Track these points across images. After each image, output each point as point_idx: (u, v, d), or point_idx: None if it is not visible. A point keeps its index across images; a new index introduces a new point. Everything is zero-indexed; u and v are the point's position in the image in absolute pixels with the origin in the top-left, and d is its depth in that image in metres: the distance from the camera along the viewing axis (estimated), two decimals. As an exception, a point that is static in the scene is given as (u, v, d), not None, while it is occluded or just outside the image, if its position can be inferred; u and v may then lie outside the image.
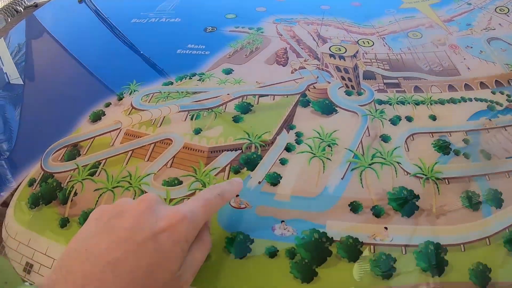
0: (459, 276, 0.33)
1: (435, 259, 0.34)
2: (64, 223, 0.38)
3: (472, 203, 0.38)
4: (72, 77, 0.55)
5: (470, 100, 0.51)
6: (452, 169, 0.42)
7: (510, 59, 0.58)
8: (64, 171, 0.42)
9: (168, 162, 0.41)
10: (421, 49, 0.59)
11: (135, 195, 0.39)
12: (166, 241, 0.27)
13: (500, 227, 0.37)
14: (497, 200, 0.39)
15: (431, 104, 0.49)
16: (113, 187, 0.40)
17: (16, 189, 0.41)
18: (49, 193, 0.40)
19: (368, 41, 0.60)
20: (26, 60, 0.61)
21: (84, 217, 0.38)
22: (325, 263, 0.34)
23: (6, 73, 0.58)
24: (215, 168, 0.40)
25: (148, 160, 0.41)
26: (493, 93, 0.52)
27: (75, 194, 0.40)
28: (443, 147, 0.44)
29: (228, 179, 0.39)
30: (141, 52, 0.57)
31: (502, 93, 0.52)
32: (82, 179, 0.41)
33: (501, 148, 0.45)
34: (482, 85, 0.54)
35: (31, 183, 0.41)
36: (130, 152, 0.42)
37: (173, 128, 0.44)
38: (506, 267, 0.34)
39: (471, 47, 0.60)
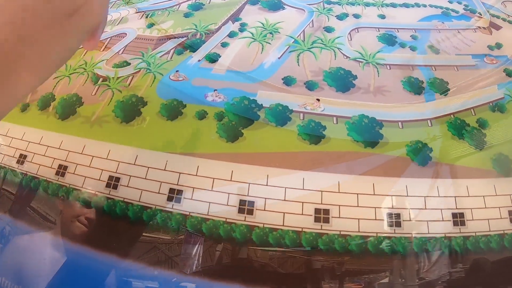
0: (395, 150, 0.34)
1: (368, 131, 0.35)
2: (24, 107, 0.41)
3: (414, 87, 0.39)
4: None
5: (425, 6, 0.52)
6: (395, 57, 0.43)
7: None
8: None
9: (120, 50, 0.44)
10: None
11: (87, 78, 0.42)
12: None
13: (444, 111, 0.38)
14: (442, 88, 0.40)
15: (382, 6, 0.50)
16: (70, 74, 0.43)
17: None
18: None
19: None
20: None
21: (43, 100, 0.41)
22: (252, 125, 0.36)
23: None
24: (160, 52, 0.42)
25: (103, 51, 0.44)
26: (450, 2, 0.53)
27: (37, 84, 0.43)
28: (388, 39, 0.45)
29: (171, 59, 0.41)
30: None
31: (460, 3, 0.53)
32: (46, 72, 0.44)
33: (452, 46, 0.46)
34: None
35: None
36: (88, 45, 0.45)
37: (128, 25, 0.47)
38: (449, 149, 0.35)
39: None
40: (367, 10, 0.49)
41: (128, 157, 0.34)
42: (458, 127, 0.36)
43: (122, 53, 0.43)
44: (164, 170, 0.32)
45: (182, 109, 0.37)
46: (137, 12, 0.48)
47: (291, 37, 0.43)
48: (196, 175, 0.32)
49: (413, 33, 0.46)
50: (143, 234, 0.32)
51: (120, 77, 0.41)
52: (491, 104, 0.39)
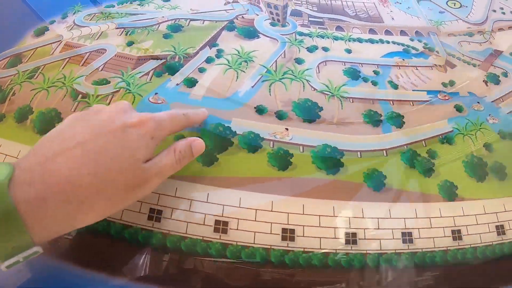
0: (354, 177, 0.39)
1: (331, 159, 0.39)
2: (0, 118, 0.42)
3: (373, 119, 0.44)
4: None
5: (388, 42, 0.57)
6: (358, 91, 0.47)
7: (434, 17, 0.65)
8: (5, 77, 0.45)
9: (100, 66, 0.45)
10: (352, -2, 0.65)
11: (66, 93, 0.43)
12: (134, 133, 0.29)
13: (399, 143, 0.42)
14: (398, 121, 0.44)
15: (349, 41, 0.55)
16: (48, 87, 0.44)
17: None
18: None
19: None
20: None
21: (20, 112, 0.41)
22: (226, 151, 0.39)
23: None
24: (140, 72, 0.44)
25: (82, 65, 0.45)
26: (411, 40, 0.58)
27: (13, 94, 0.44)
28: (353, 73, 0.49)
29: (150, 81, 0.44)
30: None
31: (420, 41, 0.58)
32: (21, 82, 0.45)
33: (409, 82, 0.51)
34: (403, 32, 0.59)
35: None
36: (67, 59, 0.46)
37: (108, 41, 0.48)
38: (401, 176, 0.40)
39: (400, 3, 0.66)
40: (336, 43, 0.53)
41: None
42: (410, 157, 0.41)
43: (101, 70, 0.45)
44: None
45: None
46: (117, 28, 0.50)
47: (264, 66, 0.46)
48: (174, 196, 0.35)
49: (376, 68, 0.51)
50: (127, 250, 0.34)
51: (100, 95, 0.42)
52: (440, 136, 0.44)
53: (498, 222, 0.39)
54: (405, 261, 0.36)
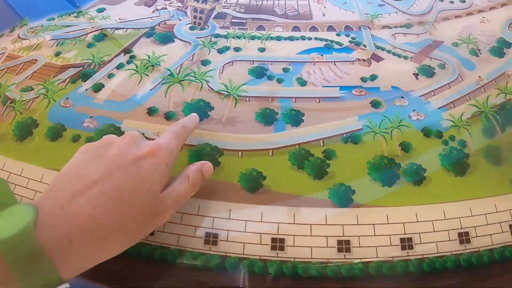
0: (229, 177, 0.39)
1: (208, 158, 0.40)
2: None
3: (266, 118, 0.45)
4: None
5: (310, 39, 0.57)
6: (258, 90, 0.49)
7: (371, 10, 0.63)
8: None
9: (29, 75, 0.52)
10: (287, -4, 0.66)
11: (0, 100, 0.50)
12: (147, 164, 0.31)
13: (290, 142, 0.42)
14: (296, 120, 0.45)
15: (266, 40, 0.57)
16: (-12, 94, 0.52)
17: None
18: None
19: (238, -12, 0.68)
20: None
21: None
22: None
23: None
24: (59, 80, 0.51)
25: (16, 75, 0.53)
26: (338, 35, 0.58)
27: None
28: (258, 72, 0.51)
29: (65, 87, 0.50)
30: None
31: (348, 36, 0.58)
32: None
33: (321, 79, 0.50)
34: (330, 28, 0.60)
35: None
36: (6, 69, 0.54)
37: (42, 52, 0.55)
38: (284, 178, 0.39)
39: None
40: (251, 43, 0.55)
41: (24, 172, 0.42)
42: (300, 157, 0.40)
43: (30, 78, 0.52)
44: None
45: (63, 132, 0.45)
46: (51, 40, 0.57)
47: (168, 69, 0.51)
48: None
49: (286, 65, 0.52)
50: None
51: (24, 100, 0.49)
52: (345, 135, 0.42)
53: (406, 234, 0.35)
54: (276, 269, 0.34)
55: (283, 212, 0.37)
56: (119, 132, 0.45)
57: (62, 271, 0.26)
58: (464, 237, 0.36)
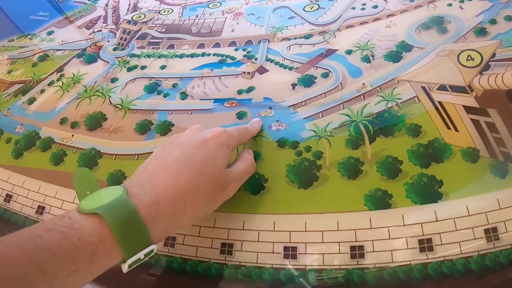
0: (102, 176, 0.49)
1: (90, 159, 0.52)
2: None
3: (142, 128, 0.52)
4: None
5: (208, 55, 0.63)
6: (144, 104, 0.57)
7: (279, 23, 0.65)
8: None
9: (-14, 90, 0.69)
10: (207, 16, 0.73)
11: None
12: (214, 144, 0.36)
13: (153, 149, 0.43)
14: (166, 130, 0.51)
15: (171, 58, 0.65)
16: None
17: None
18: None
19: (168, 10, 0.78)
20: None
21: None
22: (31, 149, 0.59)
23: None
24: (7, 93, 0.67)
25: (-22, 89, 0.69)
26: (236, 50, 0.61)
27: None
28: (152, 87, 0.59)
29: (9, 100, 0.66)
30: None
31: (244, 50, 0.60)
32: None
33: (201, 92, 0.55)
34: (232, 43, 0.63)
35: None
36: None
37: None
38: None
39: (253, 14, 0.69)
40: (157, 61, 0.64)
41: None
42: None
43: (-13, 92, 0.68)
44: None
45: (1, 135, 0.61)
46: (7, 59, 0.73)
47: (84, 86, 0.64)
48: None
49: (177, 81, 0.58)
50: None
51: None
52: None
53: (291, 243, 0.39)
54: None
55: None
56: (38, 137, 0.59)
57: (152, 232, 0.30)
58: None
